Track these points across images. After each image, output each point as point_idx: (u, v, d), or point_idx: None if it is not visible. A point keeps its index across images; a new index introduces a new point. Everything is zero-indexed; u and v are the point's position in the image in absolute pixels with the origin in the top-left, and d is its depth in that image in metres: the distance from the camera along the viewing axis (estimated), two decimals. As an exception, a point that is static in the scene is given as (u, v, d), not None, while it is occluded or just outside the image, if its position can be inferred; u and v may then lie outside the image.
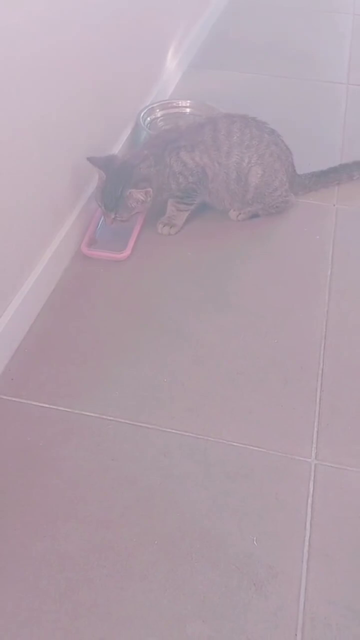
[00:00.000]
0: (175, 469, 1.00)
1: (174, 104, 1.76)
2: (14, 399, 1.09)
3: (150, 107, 1.71)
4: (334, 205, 1.53)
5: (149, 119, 1.69)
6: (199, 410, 1.08)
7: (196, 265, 1.37)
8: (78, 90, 1.28)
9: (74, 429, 1.05)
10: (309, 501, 0.97)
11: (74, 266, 1.35)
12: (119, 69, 1.49)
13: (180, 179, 1.36)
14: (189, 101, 1.76)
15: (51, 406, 1.08)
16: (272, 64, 2.15)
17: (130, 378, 1.13)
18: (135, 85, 1.68)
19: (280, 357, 1.18)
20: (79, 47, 1.24)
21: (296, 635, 0.83)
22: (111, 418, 1.07)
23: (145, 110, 1.69)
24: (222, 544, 0.91)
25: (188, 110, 1.75)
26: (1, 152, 1.02)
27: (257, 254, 1.41)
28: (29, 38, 1.04)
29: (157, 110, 1.73)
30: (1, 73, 0.98)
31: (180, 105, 1.75)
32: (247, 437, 1.04)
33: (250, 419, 1.07)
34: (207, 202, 1.44)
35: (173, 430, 1.05)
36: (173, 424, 1.06)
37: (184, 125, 1.43)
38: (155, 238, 1.43)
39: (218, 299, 1.29)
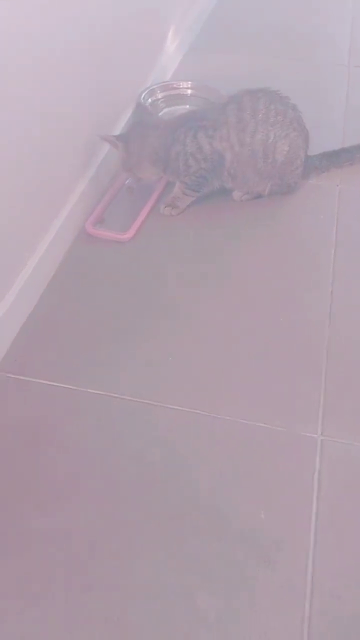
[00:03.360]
0: (180, 445, 1.00)
1: (175, 86, 1.74)
2: (18, 376, 1.09)
3: (150, 88, 1.69)
4: (337, 185, 1.52)
5: (150, 100, 1.68)
6: (204, 388, 1.08)
7: (200, 246, 1.36)
8: (79, 67, 1.26)
9: (79, 406, 1.05)
10: (316, 476, 0.97)
11: (78, 245, 1.34)
12: (118, 50, 1.47)
13: (191, 160, 1.34)
14: (190, 82, 1.74)
15: (56, 384, 1.08)
16: (273, 46, 2.12)
17: (134, 356, 1.13)
18: (135, 66, 1.66)
19: (285, 335, 1.18)
20: (79, 27, 1.22)
21: (304, 607, 0.84)
22: (116, 395, 1.06)
23: (145, 92, 1.67)
24: (228, 519, 0.91)
25: (189, 91, 1.73)
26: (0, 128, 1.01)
27: (261, 235, 1.40)
28: (27, 19, 1.02)
29: (158, 91, 1.71)
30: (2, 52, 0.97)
31: (181, 86, 1.74)
32: (253, 414, 1.04)
33: (255, 396, 1.07)
34: (225, 187, 1.42)
35: (178, 407, 1.05)
36: (178, 401, 1.06)
37: (207, 107, 1.43)
38: (160, 219, 1.41)
39: (222, 280, 1.29)
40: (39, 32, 1.07)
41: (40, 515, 0.91)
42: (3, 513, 0.91)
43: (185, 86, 1.73)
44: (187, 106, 1.72)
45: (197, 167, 1.35)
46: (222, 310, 1.22)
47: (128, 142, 1.35)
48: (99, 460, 0.98)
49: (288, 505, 0.93)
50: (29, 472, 0.96)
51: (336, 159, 1.52)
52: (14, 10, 0.98)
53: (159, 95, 1.71)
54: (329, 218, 1.44)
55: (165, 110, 1.71)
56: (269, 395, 1.07)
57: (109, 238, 1.35)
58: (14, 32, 0.99)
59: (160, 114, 1.67)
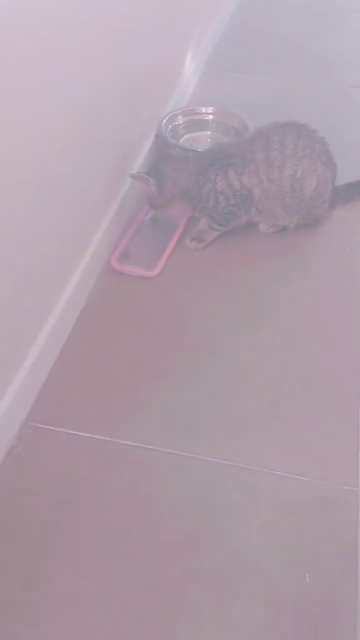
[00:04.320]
0: (220, 500, 0.97)
1: (196, 111, 1.71)
2: (49, 427, 1.06)
3: (172, 114, 1.66)
4: (364, 216, 1.50)
5: (170, 126, 1.65)
6: (240, 438, 1.05)
7: (228, 283, 1.34)
8: (99, 97, 1.21)
9: (113, 459, 1.02)
10: (359, 532, 0.94)
11: (103, 282, 1.31)
12: (138, 76, 1.44)
13: (221, 198, 1.33)
14: (211, 108, 1.71)
15: (88, 435, 1.05)
16: (289, 67, 2.10)
17: (167, 403, 1.10)
18: (154, 93, 1.63)
19: (319, 379, 1.15)
20: (98, 53, 1.17)
21: None
22: (151, 447, 1.03)
23: (167, 118, 1.64)
24: (272, 581, 0.89)
25: (211, 117, 1.71)
26: (23, 163, 0.97)
27: (290, 269, 1.37)
28: (41, 47, 0.95)
29: (180, 117, 1.68)
30: (29, 86, 0.94)
31: (202, 112, 1.71)
32: (291, 466, 1.01)
33: (292, 446, 1.05)
34: (252, 221, 1.40)
35: (215, 460, 1.02)
36: (215, 452, 1.03)
37: (234, 142, 1.41)
38: (186, 253, 1.39)
39: (252, 318, 1.26)
40: (53, 55, 1.00)
41: (77, 579, 0.88)
42: (35, 576, 0.88)
43: (207, 111, 1.70)
44: (208, 132, 1.70)
45: (226, 203, 1.34)
46: (254, 352, 1.20)
47: (160, 179, 1.33)
48: (137, 520, 0.95)
49: (332, 565, 0.91)
50: (67, 533, 0.93)
51: None
52: (27, 39, 0.91)
53: (180, 121, 1.68)
54: (356, 251, 1.42)
55: (186, 136, 1.68)
56: (306, 445, 1.05)
57: (136, 274, 1.32)
58: (29, 56, 0.92)
59: (181, 140, 1.65)
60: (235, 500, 0.97)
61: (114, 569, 0.89)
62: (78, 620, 0.85)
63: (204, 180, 1.33)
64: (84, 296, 1.27)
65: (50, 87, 1.00)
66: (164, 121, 1.63)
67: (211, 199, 1.34)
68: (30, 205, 1.00)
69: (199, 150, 1.50)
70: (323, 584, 0.89)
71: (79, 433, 1.05)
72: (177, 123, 1.68)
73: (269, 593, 0.88)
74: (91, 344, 1.20)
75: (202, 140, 1.68)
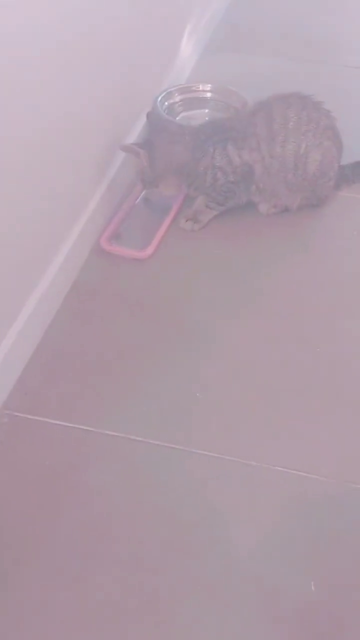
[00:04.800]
0: (216, 499, 0.88)
1: (194, 88, 1.62)
2: (28, 416, 0.96)
3: (168, 91, 1.57)
4: (370, 198, 1.41)
5: (166, 103, 1.55)
6: (238, 430, 0.96)
7: (225, 265, 1.24)
8: (90, 70, 1.15)
9: (98, 451, 0.92)
10: (371, 536, 0.85)
11: (92, 263, 1.21)
12: (132, 51, 1.36)
13: (219, 174, 1.24)
14: (209, 85, 1.62)
15: (71, 424, 0.95)
16: (291, 47, 2.02)
17: (158, 392, 1.01)
18: (150, 69, 1.55)
19: (324, 367, 1.06)
20: (88, 26, 1.10)
21: None
22: (140, 439, 0.94)
23: (162, 95, 1.54)
24: (276, 590, 0.79)
25: (209, 94, 1.61)
26: (11, 138, 0.89)
27: (292, 252, 1.28)
28: (35, 21, 0.92)
29: (176, 94, 1.59)
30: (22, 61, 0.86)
31: (200, 89, 1.61)
32: (296, 461, 0.92)
33: (297, 439, 0.95)
34: (252, 201, 1.31)
35: (211, 453, 0.93)
36: (210, 445, 0.93)
37: (234, 115, 1.31)
38: (181, 234, 1.29)
39: (251, 302, 1.17)
40: (47, 32, 0.96)
41: (58, 583, 0.79)
42: (8, 582, 0.78)
43: (205, 89, 1.61)
44: (206, 110, 1.61)
45: (224, 180, 1.25)
46: (253, 338, 1.10)
47: (153, 151, 1.23)
48: (123, 518, 0.85)
49: (341, 571, 0.81)
50: (45, 533, 0.83)
51: None
52: (23, 12, 0.87)
53: (177, 99, 1.59)
54: (363, 234, 1.33)
55: (183, 114, 1.59)
56: (312, 438, 0.95)
57: (126, 255, 1.23)
58: (23, 33, 0.87)
59: (177, 118, 1.56)
60: (232, 498, 0.88)
61: (97, 576, 0.80)
62: (54, 633, 0.75)
63: (200, 154, 1.24)
64: (70, 278, 1.18)
65: (41, 59, 0.94)
66: (159, 98, 1.53)
67: (209, 176, 1.25)
68: (10, 177, 0.91)
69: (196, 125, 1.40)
70: (331, 593, 0.79)
71: (60, 422, 0.95)
72: (173, 101, 1.59)
73: (270, 604, 0.78)
74: (76, 329, 1.10)
75: (200, 119, 1.58)
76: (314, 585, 0.79)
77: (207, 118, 1.59)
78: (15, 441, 0.93)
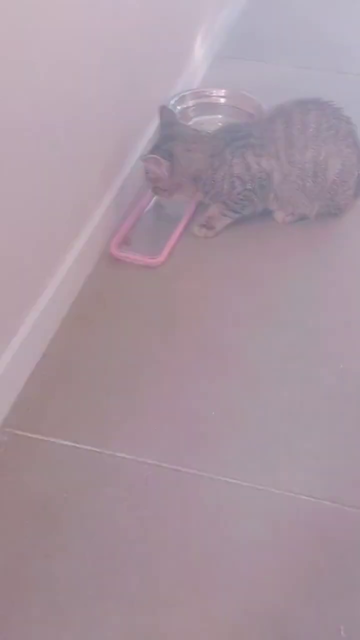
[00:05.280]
0: (233, 529, 0.80)
1: (207, 93, 1.56)
2: (29, 434, 0.89)
3: (181, 95, 1.52)
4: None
5: (179, 107, 1.50)
6: (256, 453, 0.88)
7: (242, 275, 1.17)
8: (102, 74, 1.10)
9: (104, 475, 0.85)
10: None
11: (100, 271, 1.15)
12: (146, 56, 1.31)
13: (237, 182, 1.18)
14: (223, 90, 1.56)
15: (75, 444, 0.88)
16: (304, 55, 1.97)
17: (169, 410, 0.93)
18: (162, 74, 1.50)
19: (348, 387, 0.99)
20: (100, 31, 1.06)
21: None
22: (150, 462, 0.86)
23: (175, 99, 1.49)
24: (302, 635, 0.71)
25: (222, 100, 1.56)
26: (15, 141, 0.84)
27: (308, 262, 1.21)
28: (42, 24, 0.87)
29: (189, 99, 1.53)
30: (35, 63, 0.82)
31: (213, 94, 1.56)
32: (319, 489, 0.84)
33: (319, 464, 0.87)
34: (268, 209, 1.25)
35: (227, 479, 0.85)
36: (226, 470, 0.86)
37: (252, 120, 1.26)
38: (194, 241, 1.23)
39: (267, 315, 1.10)
40: (55, 35, 0.91)
41: (60, 624, 0.71)
42: (7, 615, 0.71)
43: (218, 94, 1.56)
44: (220, 116, 1.55)
45: (242, 188, 1.19)
46: (271, 352, 1.03)
47: (172, 161, 1.17)
48: (130, 549, 0.77)
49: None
50: (42, 568, 0.75)
51: None
52: (28, 18, 0.83)
53: (190, 103, 1.53)
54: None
55: (195, 119, 1.53)
56: (335, 464, 0.88)
57: (137, 262, 1.16)
58: (26, 39, 0.83)
59: (189, 123, 1.50)
60: (249, 528, 0.80)
61: (102, 615, 0.72)
62: None
63: (219, 162, 1.18)
64: (76, 286, 1.11)
65: (48, 62, 0.89)
66: (172, 102, 1.48)
67: (226, 184, 1.19)
68: (14, 180, 0.86)
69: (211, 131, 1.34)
70: (362, 639, 0.71)
71: (63, 442, 0.88)
72: (186, 105, 1.53)
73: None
74: (82, 340, 1.03)
75: (213, 125, 1.53)
76: (344, 631, 0.71)
77: (219, 124, 1.54)
78: (15, 461, 0.86)
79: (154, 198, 1.30)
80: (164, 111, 1.28)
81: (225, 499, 0.83)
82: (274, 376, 0.99)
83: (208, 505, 0.83)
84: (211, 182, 1.20)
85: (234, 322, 1.08)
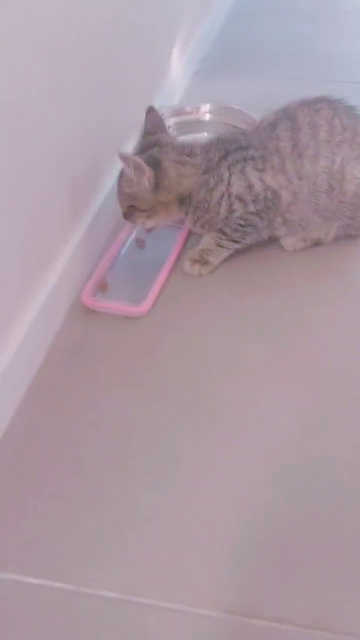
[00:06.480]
0: None
1: (188, 110, 1.39)
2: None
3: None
4: None
5: (158, 127, 1.32)
6: (261, 586, 0.65)
7: (241, 318, 0.96)
8: (72, 90, 0.93)
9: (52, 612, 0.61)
10: None
11: (71, 324, 0.94)
12: (119, 74, 1.15)
13: (237, 205, 0.98)
14: (208, 105, 1.39)
15: (26, 579, 0.64)
16: (290, 67, 1.84)
17: (148, 516, 0.70)
18: (137, 90, 1.33)
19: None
20: (70, 43, 0.90)
21: None
22: (137, 599, 0.62)
23: (153, 117, 1.32)
24: None
25: (208, 116, 1.38)
26: None
27: (325, 298, 1.00)
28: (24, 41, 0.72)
29: (168, 116, 1.34)
30: None
31: (197, 111, 1.38)
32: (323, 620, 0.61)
33: (330, 593, 0.64)
34: (275, 236, 1.05)
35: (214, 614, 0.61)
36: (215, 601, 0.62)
37: (251, 129, 1.05)
38: (185, 281, 1.02)
39: (276, 366, 0.89)
40: (29, 50, 0.75)
41: None
42: None
43: (203, 110, 1.38)
44: (205, 134, 1.36)
45: (243, 212, 0.98)
46: (282, 414, 0.82)
47: (159, 172, 0.96)
48: None
49: None
50: None
51: None
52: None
53: (170, 122, 1.34)
54: None
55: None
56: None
57: (117, 312, 0.95)
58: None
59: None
60: None
61: None
62: None
63: (215, 181, 0.97)
64: (42, 348, 0.89)
65: (18, 70, 0.71)
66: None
67: (223, 207, 0.98)
68: None
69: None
70: None
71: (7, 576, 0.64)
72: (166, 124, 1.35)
73: None
74: (43, 424, 0.80)
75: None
76: None
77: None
78: None
79: (134, 232, 1.09)
80: (151, 114, 1.06)
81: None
82: (288, 448, 0.77)
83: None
84: (204, 206, 0.99)
85: (234, 378, 0.87)
